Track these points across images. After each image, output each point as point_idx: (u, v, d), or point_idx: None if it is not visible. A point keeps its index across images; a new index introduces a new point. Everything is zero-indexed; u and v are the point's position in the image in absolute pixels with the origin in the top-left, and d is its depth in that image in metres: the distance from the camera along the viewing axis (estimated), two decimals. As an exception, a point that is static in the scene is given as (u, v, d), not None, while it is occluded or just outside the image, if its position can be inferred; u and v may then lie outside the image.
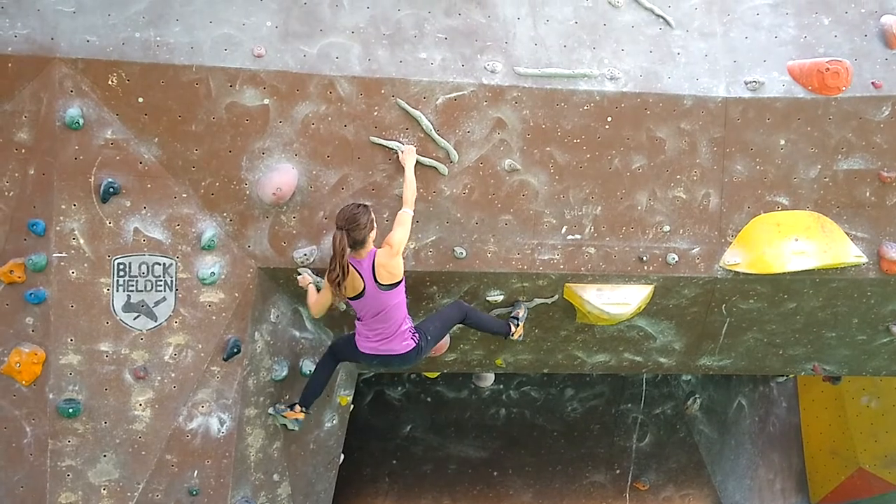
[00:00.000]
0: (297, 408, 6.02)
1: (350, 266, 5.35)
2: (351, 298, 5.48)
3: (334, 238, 5.22)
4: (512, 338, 6.22)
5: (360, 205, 5.35)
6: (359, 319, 5.62)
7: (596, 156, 5.94)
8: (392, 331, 5.55)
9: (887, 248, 6.20)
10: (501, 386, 9.35)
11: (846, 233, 6.19)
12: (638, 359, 7.12)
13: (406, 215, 5.48)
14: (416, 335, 5.66)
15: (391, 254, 5.37)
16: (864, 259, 6.21)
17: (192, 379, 5.74)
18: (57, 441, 5.59)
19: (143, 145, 5.51)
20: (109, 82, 5.38)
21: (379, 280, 5.39)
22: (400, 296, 5.53)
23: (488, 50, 5.82)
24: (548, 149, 5.90)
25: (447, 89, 5.74)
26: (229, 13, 5.55)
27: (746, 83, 5.99)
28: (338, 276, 5.25)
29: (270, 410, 6.11)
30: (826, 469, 9.60)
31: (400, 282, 5.48)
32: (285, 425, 6.23)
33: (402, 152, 5.68)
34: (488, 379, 8.43)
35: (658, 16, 6.04)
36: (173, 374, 5.71)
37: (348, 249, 5.27)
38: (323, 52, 5.61)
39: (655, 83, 5.91)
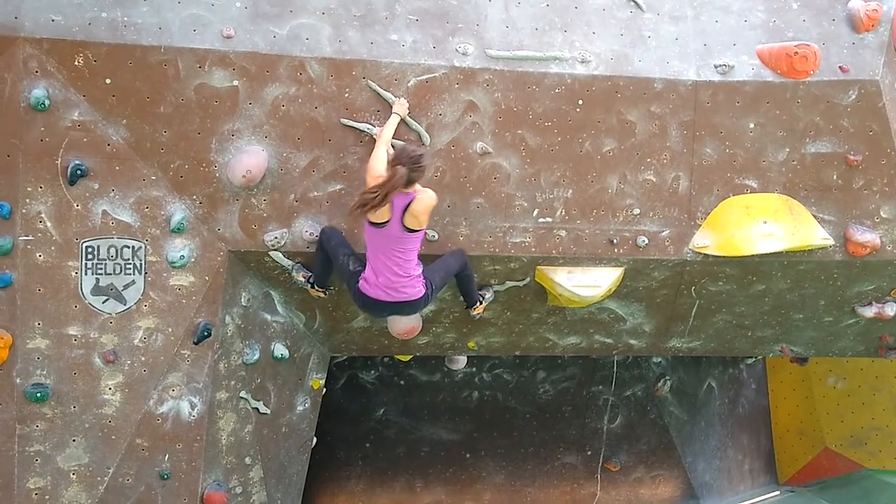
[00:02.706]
0: (317, 287, 5.94)
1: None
2: (372, 223, 5.38)
3: (395, 172, 5.16)
4: (471, 312, 6.28)
5: (421, 146, 5.39)
6: (367, 256, 5.51)
7: (567, 139, 5.96)
8: (402, 275, 5.47)
9: (853, 231, 6.28)
10: (474, 369, 9.38)
11: (814, 215, 6.26)
12: (608, 341, 7.17)
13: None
14: (426, 282, 5.62)
15: (428, 205, 5.36)
16: (831, 241, 6.29)
17: (163, 363, 5.71)
18: (25, 426, 5.54)
19: (110, 127, 5.45)
20: (76, 63, 5.31)
21: (405, 222, 5.36)
22: (416, 243, 5.50)
23: (460, 32, 5.81)
24: (519, 132, 5.91)
25: (418, 71, 5.72)
26: (198, -7, 5.50)
27: (716, 67, 6.02)
28: (375, 200, 5.14)
29: (242, 394, 6.09)
30: (793, 449, 9.75)
31: (421, 231, 5.48)
32: (257, 409, 6.22)
33: (399, 103, 5.67)
34: (461, 362, 8.45)
35: (629, -1, 6.06)
36: (143, 358, 5.67)
37: (401, 188, 5.24)
38: (293, 34, 5.57)
39: (626, 66, 5.93)
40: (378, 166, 5.36)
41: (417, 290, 5.55)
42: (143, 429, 5.71)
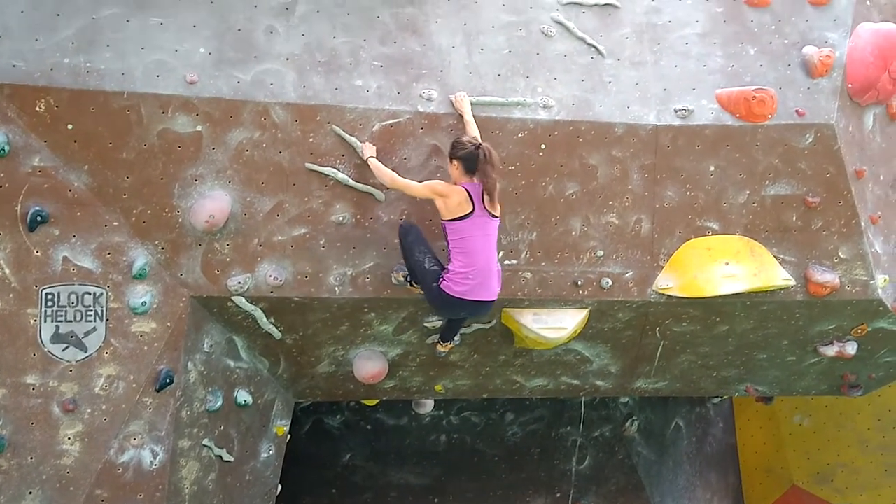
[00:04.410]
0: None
1: (464, 188, 5.42)
2: (454, 219, 5.44)
3: (486, 150, 5.36)
4: (438, 347, 6.39)
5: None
6: (452, 255, 5.51)
7: (530, 182, 6.01)
8: (492, 266, 5.54)
9: (813, 272, 6.36)
10: (441, 412, 9.33)
11: (775, 256, 6.34)
12: (575, 382, 7.17)
13: None
14: None
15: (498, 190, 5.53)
16: (793, 282, 6.37)
17: (124, 411, 5.61)
18: (-21, 479, 5.40)
19: (72, 173, 5.41)
20: (37, 108, 5.27)
21: (488, 207, 5.45)
22: (497, 230, 5.58)
23: (424, 78, 5.86)
24: (484, 175, 5.94)
25: (383, 116, 5.75)
26: (162, 39, 5.50)
27: (676, 111, 6.13)
28: (492, 177, 5.37)
29: (205, 441, 5.99)
30: (761, 487, 9.76)
31: (498, 217, 5.56)
32: (220, 456, 6.12)
33: (458, 98, 5.80)
34: (428, 405, 8.40)
35: (590, 45, 6.16)
36: (104, 406, 5.57)
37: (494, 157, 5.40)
38: (257, 79, 5.59)
39: (587, 111, 6.02)
40: (413, 183, 5.55)
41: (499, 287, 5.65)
42: (102, 479, 5.58)
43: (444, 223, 5.53)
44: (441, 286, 5.50)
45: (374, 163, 5.63)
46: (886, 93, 6.35)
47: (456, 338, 6.30)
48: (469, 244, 5.47)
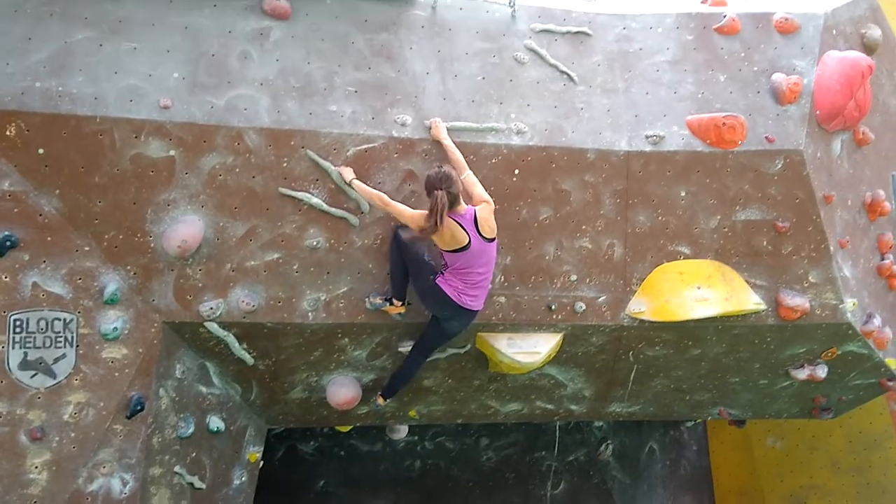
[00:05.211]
0: (396, 303, 5.93)
1: (452, 220, 5.43)
2: (452, 251, 5.51)
3: (435, 197, 5.34)
4: (378, 399, 6.47)
5: (442, 166, 5.54)
6: (450, 270, 5.62)
7: (504, 207, 6.03)
8: (487, 285, 5.75)
9: (784, 296, 6.43)
10: (416, 437, 9.28)
11: (746, 281, 6.40)
12: (550, 406, 7.17)
13: (472, 176, 5.70)
14: None
15: (491, 210, 5.60)
16: (764, 306, 6.43)
17: (94, 438, 5.53)
18: (-56, 509, 5.30)
19: (43, 197, 5.36)
20: (7, 132, 5.23)
21: (483, 233, 5.50)
22: (495, 250, 5.68)
23: (398, 103, 5.89)
24: (457, 200, 5.96)
25: (358, 141, 5.77)
26: (135, 64, 5.49)
27: (647, 137, 6.19)
28: (432, 227, 5.35)
29: (177, 468, 5.92)
30: (736, 510, 9.80)
31: (495, 239, 5.65)
32: (192, 484, 6.05)
33: (434, 124, 5.85)
34: (402, 430, 8.34)
35: (562, 72, 6.23)
36: (73, 434, 5.48)
37: (447, 207, 5.40)
38: (231, 104, 5.58)
39: (560, 137, 6.07)
40: (406, 210, 5.54)
41: None
42: (70, 509, 5.50)
43: (441, 251, 5.58)
44: (437, 281, 5.62)
45: (360, 185, 5.65)
46: (853, 119, 6.47)
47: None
48: (468, 268, 5.59)
